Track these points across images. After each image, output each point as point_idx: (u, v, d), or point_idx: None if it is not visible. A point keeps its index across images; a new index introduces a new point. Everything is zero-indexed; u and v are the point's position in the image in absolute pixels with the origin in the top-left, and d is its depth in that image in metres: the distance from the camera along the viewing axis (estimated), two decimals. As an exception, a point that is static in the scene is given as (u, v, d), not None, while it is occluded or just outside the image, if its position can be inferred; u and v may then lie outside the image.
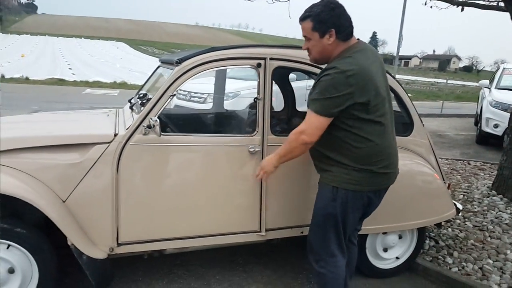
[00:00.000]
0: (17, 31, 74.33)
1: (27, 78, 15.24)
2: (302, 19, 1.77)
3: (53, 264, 1.94)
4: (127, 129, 2.04)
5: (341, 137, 1.75)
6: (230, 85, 5.15)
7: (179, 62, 2.06)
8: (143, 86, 2.89)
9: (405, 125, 2.56)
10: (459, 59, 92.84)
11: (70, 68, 22.95)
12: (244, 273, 2.54)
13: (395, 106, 2.34)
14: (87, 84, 15.37)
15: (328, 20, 1.71)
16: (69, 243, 1.89)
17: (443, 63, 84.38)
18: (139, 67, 29.80)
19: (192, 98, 5.83)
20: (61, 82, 15.48)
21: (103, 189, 1.99)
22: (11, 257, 1.86)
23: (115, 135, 2.01)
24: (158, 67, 2.88)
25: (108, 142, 2.00)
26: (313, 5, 1.75)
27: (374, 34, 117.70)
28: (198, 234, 2.18)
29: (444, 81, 21.97)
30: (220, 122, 2.94)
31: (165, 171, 2.08)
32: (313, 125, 1.69)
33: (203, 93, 5.69)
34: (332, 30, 1.72)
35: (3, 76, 14.96)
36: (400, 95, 2.48)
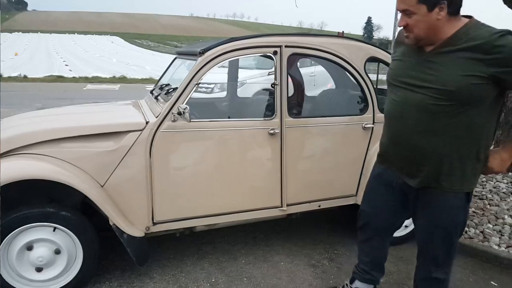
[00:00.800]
0: (8, 29, 73.55)
1: (25, 76, 15.28)
2: None
3: (96, 245, 2.12)
4: (157, 117, 2.20)
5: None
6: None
7: (203, 52, 2.22)
8: (161, 78, 3.04)
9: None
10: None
11: (66, 65, 22.90)
12: (266, 247, 2.74)
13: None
14: (86, 80, 15.43)
15: None
16: (110, 223, 2.07)
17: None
18: (136, 61, 29.77)
19: (199, 89, 5.97)
20: (60, 79, 15.53)
21: (138, 173, 2.17)
22: (57, 239, 2.04)
23: (147, 123, 2.18)
24: (175, 59, 3.03)
25: (141, 130, 2.16)
26: None
27: (369, 19, 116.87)
28: (226, 211, 2.37)
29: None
30: (240, 108, 3.11)
31: (194, 154, 2.25)
32: None
33: (210, 83, 5.84)
34: (444, 2, 1.44)
35: (0, 76, 15.00)
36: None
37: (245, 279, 2.37)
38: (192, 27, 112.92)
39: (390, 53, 2.38)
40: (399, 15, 1.56)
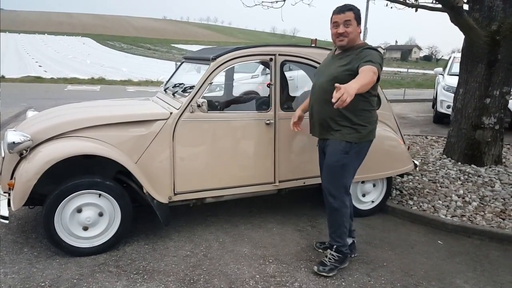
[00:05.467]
0: (-28, 28, 70.47)
1: (3, 77, 15.15)
2: (347, 9, 2.34)
3: (130, 209, 2.65)
4: (178, 109, 2.76)
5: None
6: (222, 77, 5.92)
7: (215, 58, 2.80)
8: (169, 79, 3.59)
9: (376, 102, 3.41)
10: (420, 49, 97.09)
11: (40, 66, 22.60)
12: (260, 218, 3.35)
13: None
14: (66, 81, 15.48)
15: (360, 16, 2.43)
16: (144, 191, 2.61)
17: (405, 53, 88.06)
18: (110, 62, 29.64)
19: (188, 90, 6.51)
20: (39, 79, 15.49)
21: (163, 153, 2.72)
22: (101, 203, 2.56)
23: (171, 113, 2.74)
24: (182, 62, 3.60)
25: (166, 119, 2.72)
26: (349, 4, 2.41)
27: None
28: (231, 185, 2.95)
29: (406, 70, 23.56)
30: (236, 104, 3.70)
31: (207, 139, 2.83)
32: (376, 71, 2.18)
33: (192, 86, 6.40)
34: (360, 24, 2.43)
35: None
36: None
37: (246, 239, 2.96)
38: (165, 29, 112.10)
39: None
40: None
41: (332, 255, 2.55)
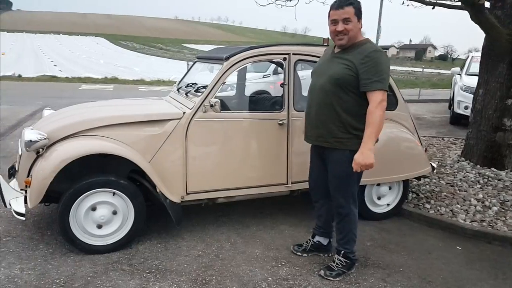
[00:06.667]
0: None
1: (19, 76, 15.47)
2: (347, 4, 2.14)
3: (144, 208, 2.65)
4: (191, 108, 2.75)
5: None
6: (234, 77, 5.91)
7: (228, 58, 2.79)
8: (182, 79, 3.59)
9: (392, 102, 3.35)
10: (435, 48, 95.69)
11: (55, 65, 22.99)
12: (272, 219, 3.32)
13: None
14: (80, 80, 15.71)
15: (361, 10, 2.20)
16: (158, 190, 2.61)
17: (419, 52, 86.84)
18: (123, 62, 29.97)
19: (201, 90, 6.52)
20: (54, 79, 15.77)
21: (176, 152, 2.71)
22: (115, 202, 2.57)
23: (184, 113, 2.73)
24: (195, 62, 3.59)
25: (179, 119, 2.71)
26: None
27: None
28: (244, 185, 2.93)
29: (421, 69, 23.24)
30: (248, 103, 3.69)
31: (219, 138, 2.81)
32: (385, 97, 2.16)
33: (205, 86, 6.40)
34: (361, 18, 2.21)
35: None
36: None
37: (258, 240, 2.94)
38: (176, 29, 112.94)
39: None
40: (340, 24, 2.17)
41: (340, 260, 2.50)
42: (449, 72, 18.07)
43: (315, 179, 2.60)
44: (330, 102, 2.26)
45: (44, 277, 2.33)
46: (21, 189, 2.59)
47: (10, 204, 2.49)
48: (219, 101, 2.68)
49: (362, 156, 2.14)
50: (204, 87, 2.86)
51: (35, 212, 3.20)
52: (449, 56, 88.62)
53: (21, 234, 2.83)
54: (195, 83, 3.14)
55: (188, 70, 3.64)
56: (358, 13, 2.18)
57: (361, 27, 2.23)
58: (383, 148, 3.14)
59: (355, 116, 2.25)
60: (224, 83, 2.81)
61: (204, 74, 3.41)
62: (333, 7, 2.19)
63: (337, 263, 2.50)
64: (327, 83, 2.26)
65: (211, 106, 2.70)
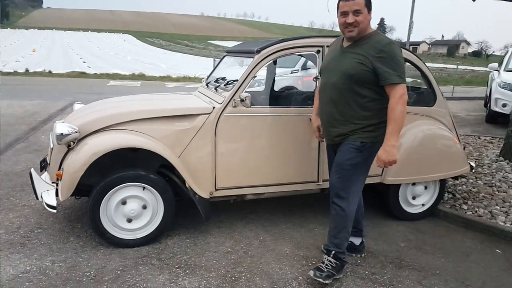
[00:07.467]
0: (24, 26, 75.17)
1: (50, 72, 15.98)
2: None
3: (173, 203, 2.63)
4: (220, 103, 2.70)
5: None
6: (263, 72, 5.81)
7: (259, 51, 2.71)
8: (211, 73, 3.54)
9: (430, 98, 3.19)
10: (468, 44, 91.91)
11: (84, 62, 23.65)
12: (302, 217, 3.23)
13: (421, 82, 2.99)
14: (108, 76, 16.09)
15: (371, 1, 2.14)
16: (187, 185, 2.58)
17: (452, 48, 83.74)
18: (149, 58, 30.49)
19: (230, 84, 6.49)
20: (83, 75, 16.22)
21: (205, 147, 2.67)
22: (145, 196, 2.56)
23: (213, 108, 2.68)
24: (224, 56, 3.54)
25: (209, 113, 2.67)
26: None
27: (382, 20, 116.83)
28: (273, 182, 2.86)
29: (453, 66, 22.44)
30: (282, 98, 3.60)
31: (249, 134, 2.74)
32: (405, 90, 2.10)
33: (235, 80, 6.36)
34: (371, 10, 2.14)
35: (27, 70, 15.73)
36: (426, 73, 3.11)
37: (287, 238, 2.86)
38: (202, 26, 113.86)
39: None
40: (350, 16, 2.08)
41: (330, 261, 2.34)
42: (484, 69, 17.29)
43: None
44: (345, 99, 2.18)
45: (74, 270, 2.34)
46: (52, 182, 2.62)
47: (41, 197, 2.52)
48: (249, 95, 2.61)
49: (386, 154, 2.10)
50: (234, 81, 2.80)
51: (66, 205, 3.25)
52: (484, 52, 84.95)
53: (52, 227, 2.88)
54: (225, 78, 3.09)
55: (217, 65, 3.59)
56: (369, 5, 2.13)
57: (371, 19, 2.16)
58: (419, 146, 3.00)
59: (370, 110, 2.19)
60: (254, 77, 2.73)
61: (233, 68, 3.35)
62: None
63: (326, 264, 2.33)
64: (340, 80, 2.18)
65: (242, 100, 2.63)
